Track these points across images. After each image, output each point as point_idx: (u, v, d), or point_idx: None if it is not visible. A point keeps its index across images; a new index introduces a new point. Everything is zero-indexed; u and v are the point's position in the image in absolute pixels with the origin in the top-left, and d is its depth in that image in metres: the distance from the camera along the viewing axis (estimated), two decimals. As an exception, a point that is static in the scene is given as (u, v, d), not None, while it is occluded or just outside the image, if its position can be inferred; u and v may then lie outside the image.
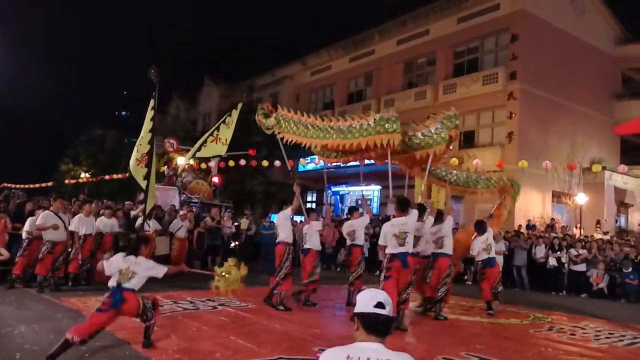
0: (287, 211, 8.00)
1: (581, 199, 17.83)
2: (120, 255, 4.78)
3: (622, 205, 20.92)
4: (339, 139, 7.44)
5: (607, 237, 14.93)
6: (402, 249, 6.28)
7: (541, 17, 19.28)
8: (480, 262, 8.39)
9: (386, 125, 7.07)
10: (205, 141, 11.49)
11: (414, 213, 6.53)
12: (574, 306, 9.71)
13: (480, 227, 8.37)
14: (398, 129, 7.15)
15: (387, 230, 6.42)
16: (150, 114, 8.90)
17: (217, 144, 11.33)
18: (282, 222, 8.03)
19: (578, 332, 7.01)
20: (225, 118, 11.72)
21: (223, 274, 5.10)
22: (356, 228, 8.41)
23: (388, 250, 6.38)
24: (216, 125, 11.85)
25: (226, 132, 11.29)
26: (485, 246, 8.24)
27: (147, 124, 8.91)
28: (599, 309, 9.47)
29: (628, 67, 23.16)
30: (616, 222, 20.34)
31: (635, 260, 11.61)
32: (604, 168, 17.97)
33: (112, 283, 4.61)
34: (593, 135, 20.64)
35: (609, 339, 6.60)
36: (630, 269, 11.25)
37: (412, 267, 6.48)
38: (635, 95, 22.57)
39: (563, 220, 18.16)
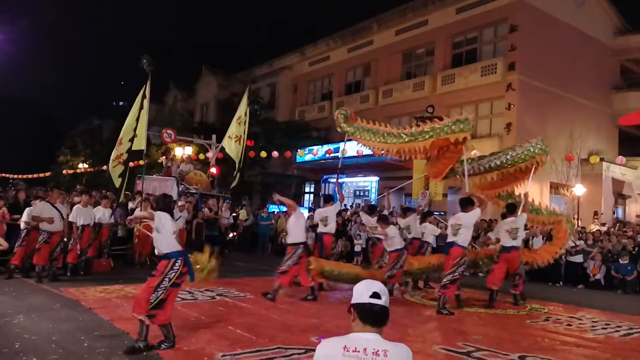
0: (338, 204, 8.86)
1: (579, 190, 17.87)
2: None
3: (620, 196, 20.99)
4: (411, 142, 7.95)
5: (604, 229, 14.98)
6: (514, 243, 7.88)
7: (540, 8, 19.18)
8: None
9: (461, 125, 7.53)
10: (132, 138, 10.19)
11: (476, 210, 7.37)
12: (570, 297, 9.76)
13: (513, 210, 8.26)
14: (467, 128, 7.53)
15: (500, 227, 8.16)
16: (137, 106, 8.87)
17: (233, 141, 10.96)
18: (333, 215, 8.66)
19: (574, 322, 7.06)
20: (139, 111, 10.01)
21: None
22: (328, 215, 8.59)
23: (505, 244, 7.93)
24: (133, 118, 10.13)
25: (236, 129, 10.95)
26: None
27: (132, 117, 8.87)
28: (596, 299, 9.52)
29: (627, 58, 23.09)
30: (614, 213, 20.41)
31: (633, 252, 11.67)
32: (601, 159, 17.99)
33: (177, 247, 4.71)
34: (591, 126, 20.63)
35: (605, 330, 6.65)
36: (627, 260, 11.31)
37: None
38: (634, 87, 22.57)
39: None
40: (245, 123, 11.11)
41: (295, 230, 7.57)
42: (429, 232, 10.10)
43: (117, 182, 8.58)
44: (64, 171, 32.00)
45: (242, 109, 11.32)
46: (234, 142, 11.03)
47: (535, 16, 19.00)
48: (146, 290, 4.54)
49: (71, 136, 38.53)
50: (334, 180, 24.84)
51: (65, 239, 8.58)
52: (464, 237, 7.27)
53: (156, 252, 4.77)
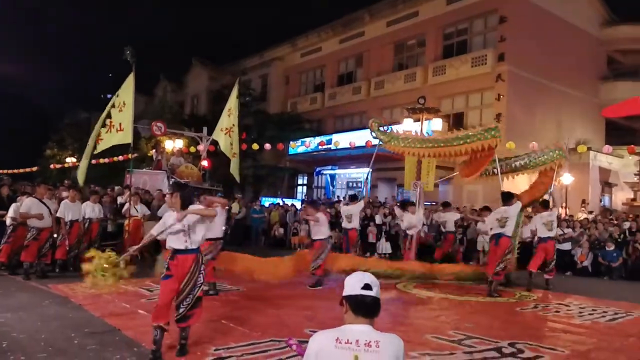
0: (361, 203, 10.14)
1: (567, 179, 18.04)
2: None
3: (607, 185, 21.24)
4: (446, 147, 9.39)
5: (591, 217, 15.17)
6: (550, 234, 8.88)
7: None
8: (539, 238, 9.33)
9: (492, 132, 8.98)
10: (99, 134, 9.15)
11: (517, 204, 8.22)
12: (558, 284, 9.86)
13: (547, 205, 9.31)
14: (498, 134, 8.96)
15: (537, 220, 9.15)
16: (122, 94, 8.74)
17: (111, 132, 9.02)
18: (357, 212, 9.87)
19: (562, 309, 7.17)
20: (114, 102, 9.20)
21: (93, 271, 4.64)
22: (353, 212, 9.82)
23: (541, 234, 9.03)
24: (106, 111, 9.30)
25: (119, 116, 9.00)
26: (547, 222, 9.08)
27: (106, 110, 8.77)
28: (583, 286, 9.67)
29: (613, 49, 23.30)
30: (600, 201, 20.67)
31: (618, 240, 11.85)
32: (589, 149, 18.14)
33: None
34: (579, 116, 20.82)
35: (592, 316, 6.76)
36: (613, 247, 11.49)
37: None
38: (620, 77, 22.79)
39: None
40: (235, 115, 10.92)
41: (321, 228, 8.26)
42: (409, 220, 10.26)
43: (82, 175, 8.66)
44: (52, 165, 31.62)
45: (232, 101, 11.15)
46: (223, 134, 10.83)
47: (524, 7, 19.05)
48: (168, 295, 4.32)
49: (58, 130, 38.04)
50: (327, 172, 24.97)
51: (54, 235, 8.49)
52: (510, 228, 8.16)
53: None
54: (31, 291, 6.98)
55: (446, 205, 12.09)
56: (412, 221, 10.07)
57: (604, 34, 22.78)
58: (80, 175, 9.13)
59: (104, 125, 8.85)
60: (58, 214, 8.48)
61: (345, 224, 9.98)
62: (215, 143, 15.27)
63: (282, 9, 55.11)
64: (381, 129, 10.42)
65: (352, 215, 9.79)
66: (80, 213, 8.96)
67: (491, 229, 8.36)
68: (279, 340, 4.74)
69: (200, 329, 5.06)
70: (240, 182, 25.83)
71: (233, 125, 10.62)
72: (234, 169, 10.86)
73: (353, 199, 10.78)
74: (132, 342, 4.56)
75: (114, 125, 8.78)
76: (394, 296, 7.85)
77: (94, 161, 24.61)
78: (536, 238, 9.44)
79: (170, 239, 4.48)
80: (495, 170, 9.56)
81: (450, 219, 11.49)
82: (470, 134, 9.20)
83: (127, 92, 8.87)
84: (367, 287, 1.98)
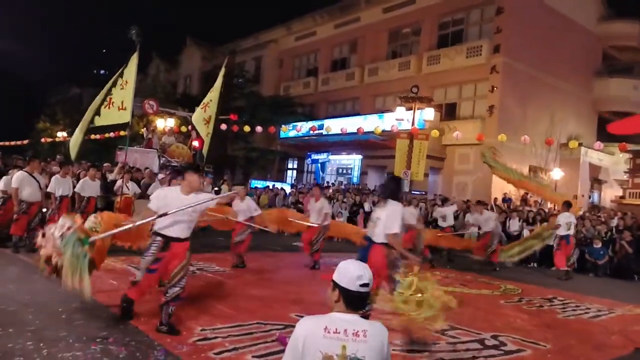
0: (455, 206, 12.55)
1: (557, 174, 18.21)
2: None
3: (596, 181, 21.48)
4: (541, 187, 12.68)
5: (580, 213, 15.32)
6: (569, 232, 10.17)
7: (528, -9, 19.18)
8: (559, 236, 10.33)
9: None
10: (98, 109, 8.92)
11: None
12: (544, 279, 10.05)
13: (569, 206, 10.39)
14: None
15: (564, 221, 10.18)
16: (126, 73, 8.62)
17: (111, 109, 8.90)
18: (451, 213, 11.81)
19: (546, 304, 7.30)
20: (117, 79, 9.06)
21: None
22: (447, 213, 11.66)
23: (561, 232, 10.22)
24: (107, 87, 9.12)
25: (120, 94, 8.90)
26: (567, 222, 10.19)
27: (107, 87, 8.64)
28: (568, 282, 9.81)
29: (609, 44, 23.34)
30: (589, 197, 20.91)
31: (605, 238, 12.01)
32: (580, 144, 18.33)
33: None
34: (572, 111, 20.94)
35: (575, 312, 6.90)
36: (600, 245, 11.65)
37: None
38: (614, 73, 22.86)
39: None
40: (216, 93, 10.48)
41: (322, 213, 8.79)
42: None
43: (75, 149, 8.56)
44: (43, 139, 31.25)
45: (218, 80, 10.72)
46: (199, 109, 10.36)
47: (522, -1, 18.98)
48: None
49: (50, 104, 37.54)
50: (318, 158, 24.98)
51: (44, 210, 8.43)
52: (572, 230, 10.26)
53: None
54: (20, 265, 6.94)
55: (445, 201, 13.04)
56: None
57: (600, 29, 22.80)
58: (73, 149, 8.97)
59: (104, 101, 8.71)
60: (49, 189, 8.42)
61: (440, 223, 11.53)
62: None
63: (279, -10, 54.30)
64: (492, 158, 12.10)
65: (446, 215, 11.47)
66: (70, 189, 8.88)
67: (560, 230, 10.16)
68: (265, 322, 4.79)
69: (186, 309, 5.09)
70: (231, 163, 25.70)
71: (210, 100, 10.24)
72: (205, 149, 10.54)
73: (445, 201, 13.16)
74: (118, 318, 4.57)
75: (114, 102, 8.64)
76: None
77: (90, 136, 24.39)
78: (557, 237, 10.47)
79: (168, 227, 4.34)
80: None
81: (449, 213, 11.67)
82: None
83: (130, 71, 8.76)
84: (365, 285, 1.99)
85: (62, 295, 5.28)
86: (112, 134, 19.64)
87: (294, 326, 2.01)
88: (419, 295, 3.80)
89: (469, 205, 13.14)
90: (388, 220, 4.57)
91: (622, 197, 19.03)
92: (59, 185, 8.57)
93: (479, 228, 10.85)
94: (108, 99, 8.74)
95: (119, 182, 10.07)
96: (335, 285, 2.02)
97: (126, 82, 8.77)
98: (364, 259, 4.28)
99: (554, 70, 20.19)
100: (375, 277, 4.51)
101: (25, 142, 31.35)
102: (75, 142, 9.04)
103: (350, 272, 2.00)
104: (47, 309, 4.73)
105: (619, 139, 13.60)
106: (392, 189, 4.85)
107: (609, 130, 9.37)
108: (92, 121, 8.73)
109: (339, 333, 1.92)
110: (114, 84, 8.72)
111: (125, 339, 4.05)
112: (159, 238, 4.39)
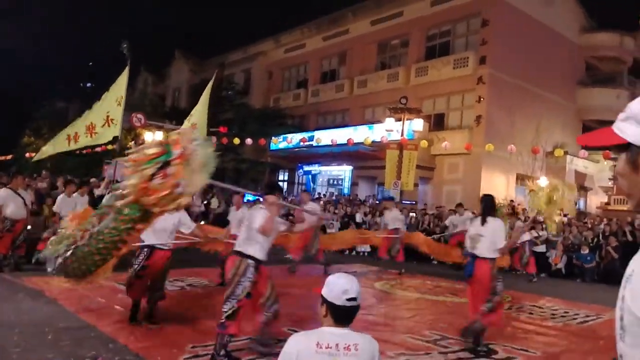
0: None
1: (543, 182, 18.37)
2: None
3: (582, 188, 21.71)
4: None
5: (566, 220, 15.49)
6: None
7: (511, 4, 19.51)
8: None
9: None
10: (91, 126, 8.92)
11: None
12: (533, 286, 10.11)
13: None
14: None
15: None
16: (117, 89, 8.62)
17: (109, 127, 8.92)
18: None
19: (536, 311, 7.34)
20: (115, 96, 9.01)
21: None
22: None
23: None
24: (105, 106, 9.07)
25: (117, 111, 8.86)
26: None
27: (106, 103, 8.61)
28: (557, 288, 9.91)
29: (592, 55, 23.76)
30: (575, 204, 21.13)
31: (591, 244, 12.15)
32: (565, 153, 18.57)
33: None
34: (556, 120, 21.23)
35: (564, 318, 6.94)
36: (587, 251, 11.78)
37: None
38: (597, 83, 23.24)
39: (525, 203, 18.75)
40: (201, 110, 10.40)
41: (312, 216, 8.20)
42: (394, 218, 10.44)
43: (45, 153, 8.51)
44: (27, 154, 30.88)
45: (204, 95, 10.69)
46: (113, 126, 10.00)
47: (506, 11, 19.32)
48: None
49: (35, 119, 37.16)
50: (309, 169, 24.98)
51: (28, 227, 8.30)
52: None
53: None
54: (4, 284, 6.82)
55: (458, 207, 12.85)
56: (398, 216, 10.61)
57: (583, 40, 23.21)
58: (38, 156, 8.85)
59: (103, 118, 8.63)
60: (54, 209, 8.26)
61: (451, 230, 11.99)
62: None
63: (266, 4, 54.74)
64: None
65: (458, 225, 11.49)
66: (74, 208, 8.65)
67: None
68: (255, 338, 4.74)
69: (176, 325, 5.04)
70: (221, 175, 25.60)
71: (198, 119, 10.23)
72: None
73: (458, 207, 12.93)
74: (107, 338, 4.50)
75: (113, 120, 8.60)
76: (371, 295, 7.91)
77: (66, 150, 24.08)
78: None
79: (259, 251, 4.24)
80: None
81: (460, 221, 11.68)
82: None
83: (121, 86, 8.76)
84: (352, 299, 1.99)
85: (48, 315, 5.21)
86: (98, 149, 19.49)
87: (285, 341, 2.00)
88: None
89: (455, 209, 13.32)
90: (494, 236, 4.97)
91: (607, 204, 19.27)
92: (65, 205, 8.04)
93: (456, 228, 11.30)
94: (106, 116, 8.65)
95: (107, 196, 9.94)
96: (324, 299, 2.01)
97: (122, 97, 8.80)
98: (470, 273, 5.01)
99: (539, 80, 20.49)
100: (480, 290, 4.79)
101: (9, 157, 30.95)
102: (44, 152, 8.96)
103: (338, 287, 1.99)
104: (32, 329, 4.64)
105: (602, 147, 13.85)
106: (490, 207, 5.24)
107: (577, 142, 9.58)
108: (75, 140, 8.66)
109: (331, 348, 1.92)
110: (116, 102, 8.68)
111: (115, 358, 3.99)
112: (251, 261, 4.19)
